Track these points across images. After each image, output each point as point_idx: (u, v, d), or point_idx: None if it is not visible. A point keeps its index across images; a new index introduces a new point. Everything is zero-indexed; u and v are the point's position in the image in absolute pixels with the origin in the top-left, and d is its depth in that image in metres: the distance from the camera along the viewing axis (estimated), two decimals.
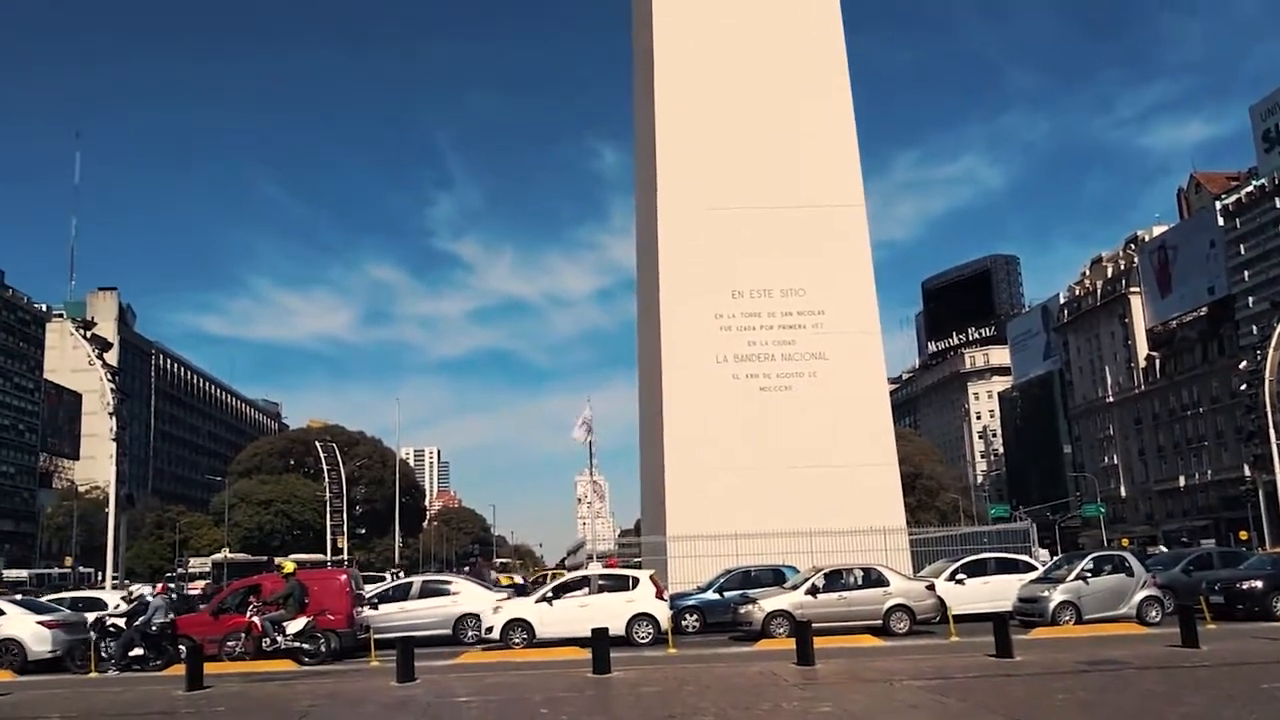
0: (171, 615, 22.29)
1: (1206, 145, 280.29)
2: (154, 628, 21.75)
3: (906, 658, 18.84)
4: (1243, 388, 56.73)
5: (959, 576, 27.32)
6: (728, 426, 36.71)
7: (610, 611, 23.28)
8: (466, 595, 27.10)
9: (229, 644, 21.86)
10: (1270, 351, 46.57)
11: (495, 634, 23.80)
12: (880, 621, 23.95)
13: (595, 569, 43.69)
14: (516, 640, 23.55)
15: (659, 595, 24.54)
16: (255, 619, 21.97)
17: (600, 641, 17.71)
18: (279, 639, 21.71)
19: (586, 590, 24.89)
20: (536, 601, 24.62)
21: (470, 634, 25.54)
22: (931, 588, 25.28)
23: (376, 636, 22.84)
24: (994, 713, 12.79)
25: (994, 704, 13.34)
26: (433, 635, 25.32)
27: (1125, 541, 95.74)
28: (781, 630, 23.43)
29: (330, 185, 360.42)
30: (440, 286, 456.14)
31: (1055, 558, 27.14)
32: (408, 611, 26.14)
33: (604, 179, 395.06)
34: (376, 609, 25.82)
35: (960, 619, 23.50)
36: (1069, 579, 24.33)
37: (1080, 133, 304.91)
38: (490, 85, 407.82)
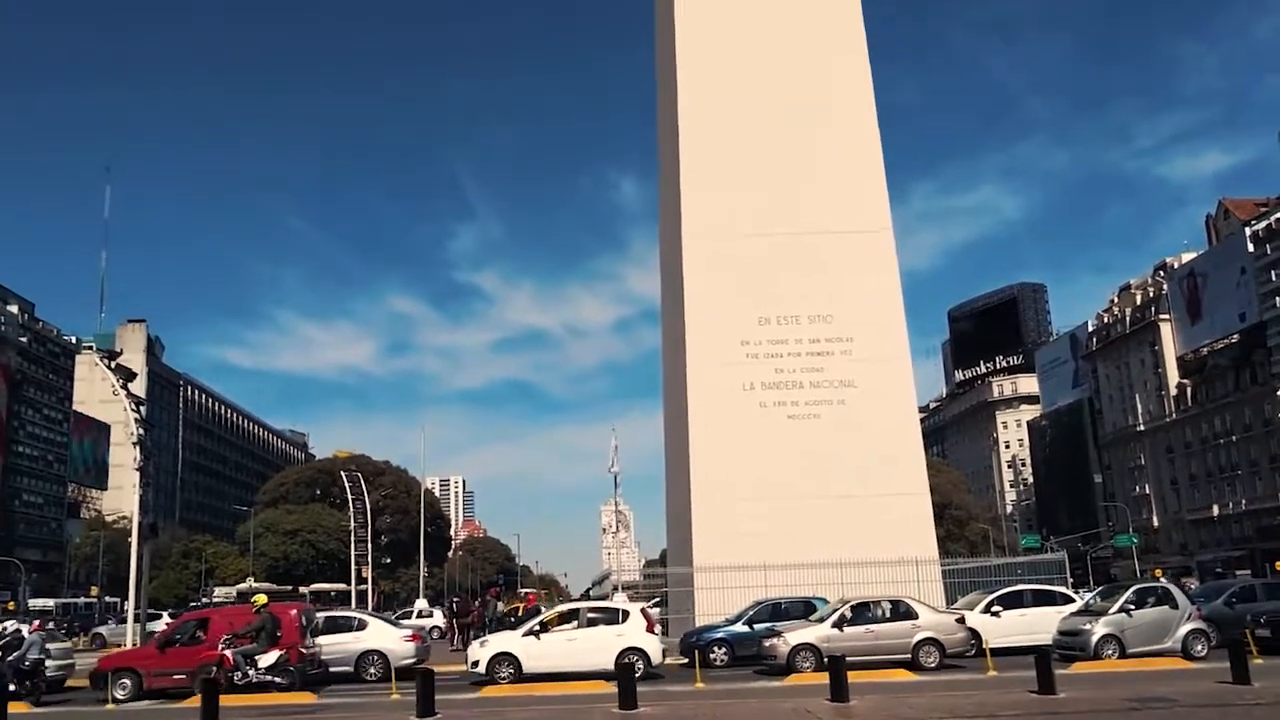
0: (47, 651, 22.56)
1: (1225, 173, 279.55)
2: (27, 663, 21.91)
3: (944, 694, 18.22)
4: None
5: (995, 608, 26.70)
6: (755, 455, 36.21)
7: (599, 646, 22.70)
8: (372, 631, 25.95)
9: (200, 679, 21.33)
10: None
11: (481, 668, 23.02)
12: (909, 656, 23.32)
13: (621, 599, 43.23)
14: (502, 675, 22.70)
15: (649, 629, 23.74)
16: (227, 652, 21.48)
17: (627, 675, 17.18)
18: (250, 672, 21.25)
19: (575, 624, 24.12)
20: (524, 635, 23.78)
21: (372, 671, 24.51)
22: (962, 621, 24.68)
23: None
24: None
25: None
26: (334, 673, 24.32)
27: (1158, 572, 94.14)
28: (807, 665, 22.87)
29: (353, 218, 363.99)
30: (461, 318, 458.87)
31: (1098, 589, 26.32)
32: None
33: (623, 210, 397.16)
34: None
35: (996, 652, 22.85)
36: (1112, 611, 23.62)
37: (1098, 162, 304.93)
38: (510, 119, 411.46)
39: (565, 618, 24.78)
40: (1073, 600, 27.03)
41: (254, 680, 21.19)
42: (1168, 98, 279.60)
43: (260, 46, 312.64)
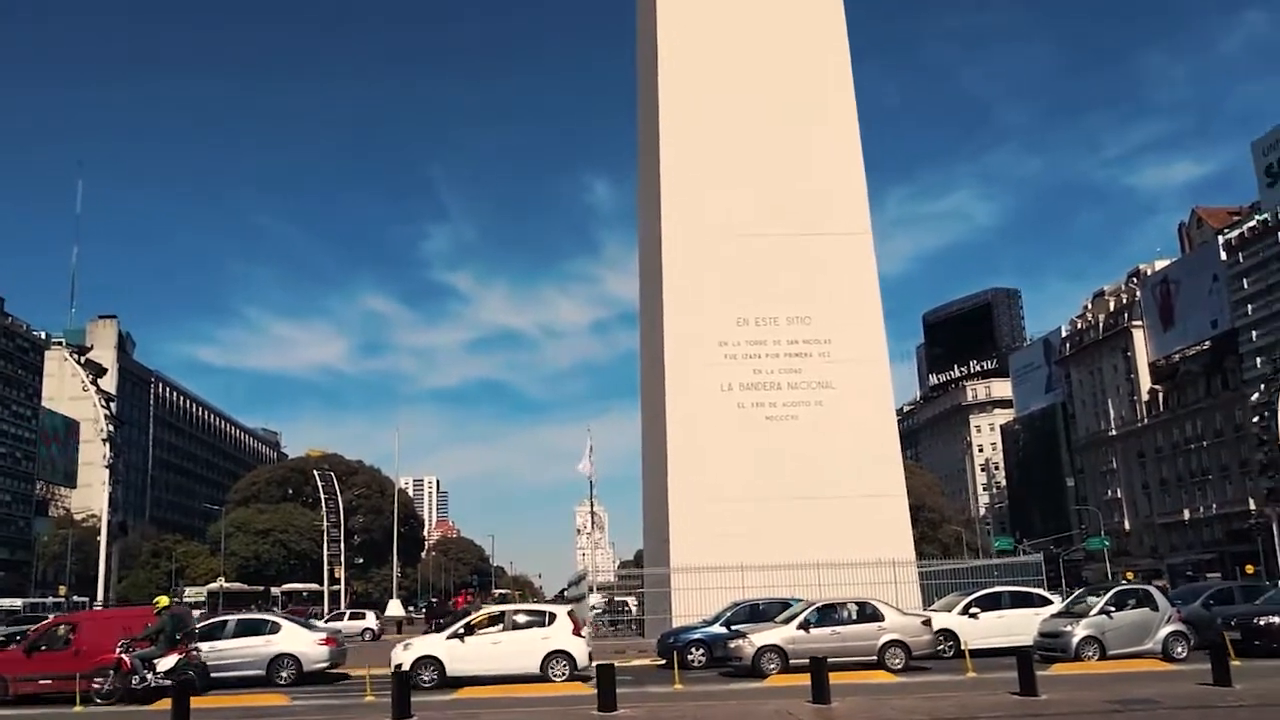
0: None
1: (1195, 183, 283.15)
2: None
3: (925, 695, 18.10)
4: (1254, 420, 56.05)
5: (973, 610, 26.66)
6: (733, 456, 36.13)
7: (525, 649, 22.32)
8: (286, 634, 25.15)
9: (96, 681, 20.59)
10: None
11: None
12: (875, 657, 23.15)
13: (596, 599, 43.05)
14: (425, 679, 22.12)
15: (576, 632, 23.35)
16: (124, 656, 20.74)
17: (607, 677, 16.94)
18: (149, 676, 20.57)
19: (501, 627, 23.63)
20: (448, 638, 23.28)
21: (284, 674, 23.90)
22: (928, 623, 24.59)
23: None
24: None
25: None
26: (245, 676, 23.85)
27: (1130, 575, 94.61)
28: (773, 666, 22.67)
29: (326, 217, 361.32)
30: (435, 318, 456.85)
31: (1078, 591, 26.36)
32: (219, 651, 23.99)
33: (598, 212, 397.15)
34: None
35: (974, 654, 22.75)
36: (1093, 613, 23.59)
37: (1069, 170, 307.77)
38: (486, 120, 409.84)
39: (491, 620, 24.28)
40: (1051, 602, 26.99)
41: (152, 685, 20.41)
42: (1138, 108, 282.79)
43: (236, 44, 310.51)
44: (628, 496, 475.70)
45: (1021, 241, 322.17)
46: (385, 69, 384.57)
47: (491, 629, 23.58)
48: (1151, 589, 24.99)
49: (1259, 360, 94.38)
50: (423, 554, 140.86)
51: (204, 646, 23.39)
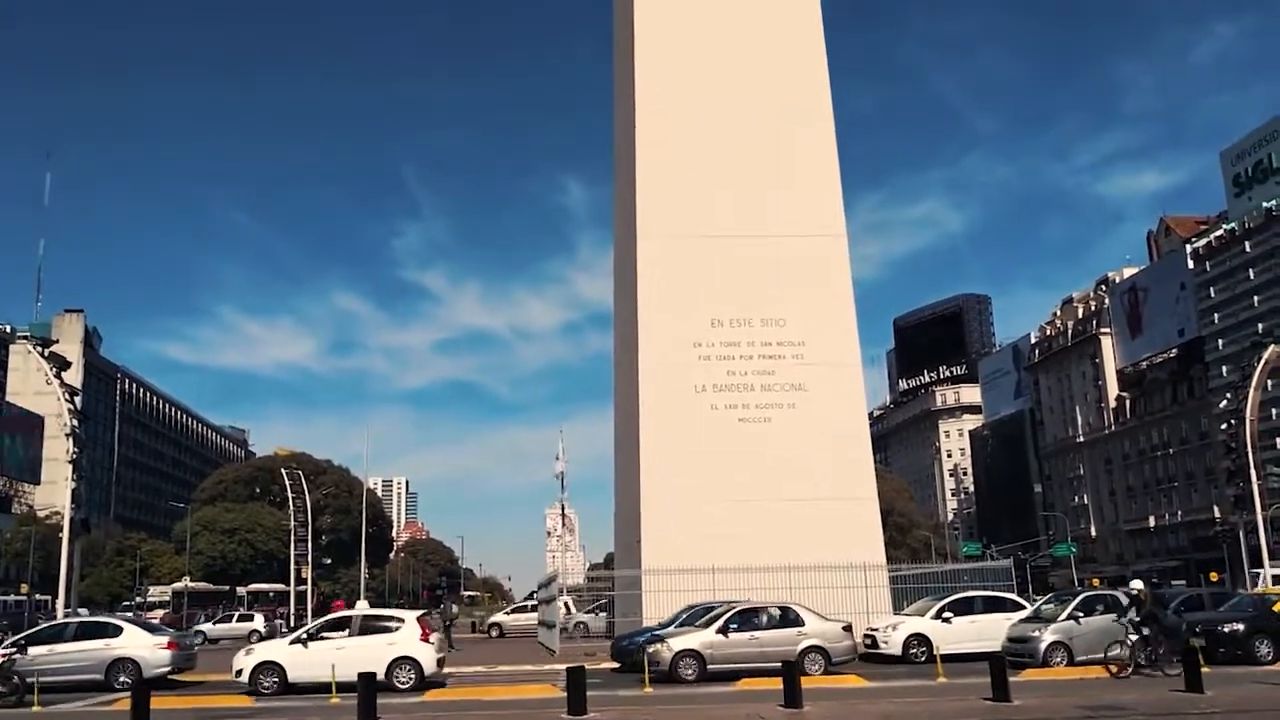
0: None
1: (1163, 192, 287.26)
2: None
3: (896, 700, 18.04)
4: (1222, 427, 56.52)
5: (945, 614, 26.65)
6: (706, 458, 35.92)
7: (369, 655, 21.58)
8: (126, 638, 24.32)
9: None
10: (1251, 391, 46.35)
11: (244, 678, 22.03)
12: (794, 663, 22.82)
13: (566, 603, 42.76)
14: (266, 686, 21.69)
15: (424, 638, 22.83)
16: None
17: (577, 679, 16.75)
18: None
19: (348, 632, 23.09)
20: (290, 643, 22.85)
21: (123, 679, 23.04)
22: (849, 629, 24.34)
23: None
24: None
25: None
26: (82, 680, 23.25)
27: (1095, 582, 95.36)
28: (690, 672, 22.41)
29: (296, 214, 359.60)
30: (406, 318, 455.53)
31: (1047, 596, 26.46)
32: (57, 654, 23.33)
33: (571, 214, 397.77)
34: (26, 652, 22.91)
35: (947, 659, 22.66)
36: (1060, 619, 23.66)
37: (1038, 178, 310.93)
38: (458, 118, 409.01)
39: (336, 625, 23.84)
40: (1023, 608, 27.04)
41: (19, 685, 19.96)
42: (1107, 117, 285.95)
43: (206, 41, 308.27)
44: (598, 500, 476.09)
45: (991, 248, 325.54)
46: (357, 66, 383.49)
47: (337, 634, 23.05)
48: (1120, 595, 25.01)
49: (1225, 368, 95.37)
50: (391, 555, 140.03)
51: (43, 650, 23.10)
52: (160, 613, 58.05)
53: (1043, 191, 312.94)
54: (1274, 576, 47.67)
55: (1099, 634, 23.09)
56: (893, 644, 26.42)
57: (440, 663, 23.12)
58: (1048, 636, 23.25)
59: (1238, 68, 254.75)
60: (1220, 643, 23.53)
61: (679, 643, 23.21)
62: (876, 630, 27.37)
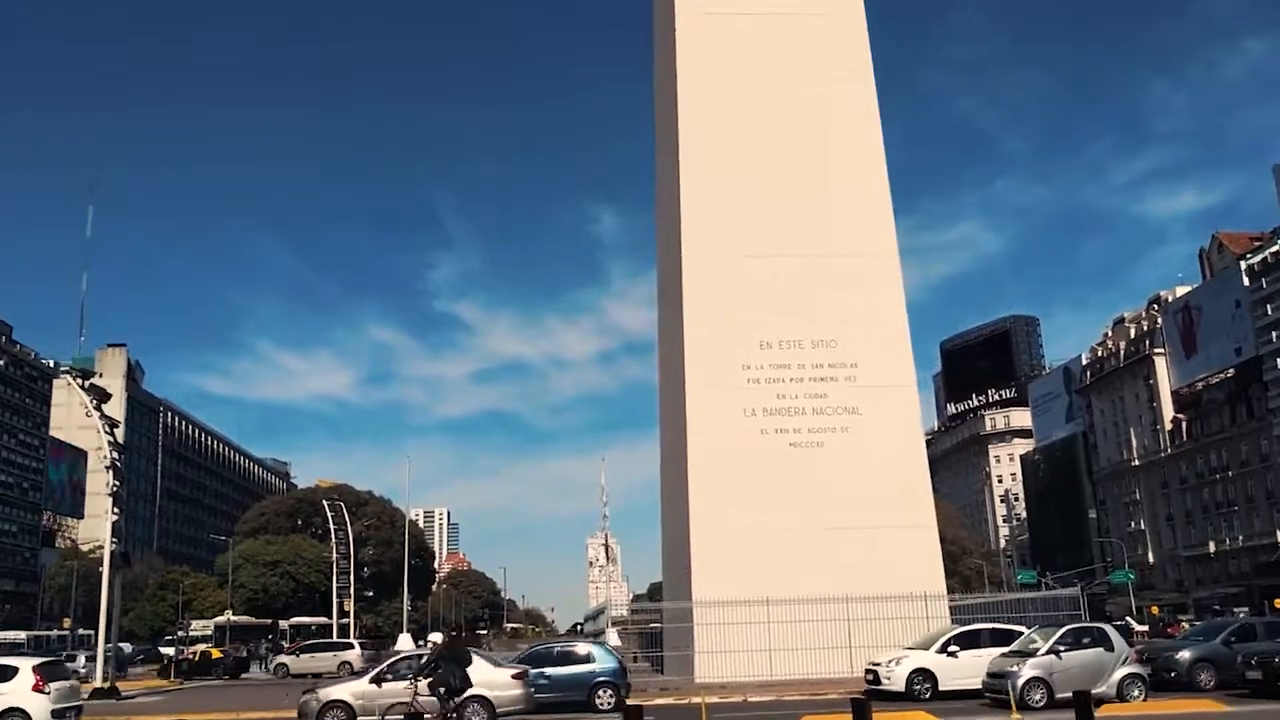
0: None
1: (1200, 211, 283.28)
2: None
3: None
4: None
5: (951, 648, 25.29)
6: (756, 485, 34.72)
7: None
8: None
9: None
10: None
11: None
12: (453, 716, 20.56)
13: (612, 636, 41.51)
14: None
15: (37, 688, 20.98)
16: None
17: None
18: None
19: None
20: None
21: None
22: (520, 676, 22.30)
23: None
24: None
25: None
26: None
27: (1155, 609, 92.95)
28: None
29: (330, 247, 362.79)
30: (441, 348, 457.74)
31: (1033, 629, 24.85)
32: None
33: (604, 243, 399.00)
34: None
35: (952, 694, 21.18)
36: (1041, 653, 22.06)
37: (1074, 200, 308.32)
38: (489, 149, 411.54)
39: None
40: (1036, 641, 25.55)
41: None
42: (1140, 137, 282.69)
43: (241, 74, 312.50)
44: (639, 529, 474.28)
45: (1029, 271, 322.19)
46: (390, 97, 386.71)
47: None
48: (1107, 628, 23.46)
49: None
50: (434, 586, 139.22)
51: None
52: (200, 647, 57.29)
53: (1079, 213, 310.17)
54: None
55: (1083, 669, 21.64)
56: (895, 680, 24.98)
57: (54, 715, 20.94)
58: (1026, 672, 21.62)
59: (1271, 83, 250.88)
60: (1279, 676, 21.99)
61: (328, 693, 21.58)
62: (879, 665, 25.95)
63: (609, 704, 23.85)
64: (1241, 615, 60.70)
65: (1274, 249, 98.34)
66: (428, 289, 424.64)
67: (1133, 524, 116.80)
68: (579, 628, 52.90)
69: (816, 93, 39.33)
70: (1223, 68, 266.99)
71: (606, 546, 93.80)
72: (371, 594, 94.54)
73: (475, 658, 21.88)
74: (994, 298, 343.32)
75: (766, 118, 38.90)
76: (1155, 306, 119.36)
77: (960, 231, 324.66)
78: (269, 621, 77.21)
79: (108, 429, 43.67)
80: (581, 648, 27.13)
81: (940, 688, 24.23)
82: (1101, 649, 22.32)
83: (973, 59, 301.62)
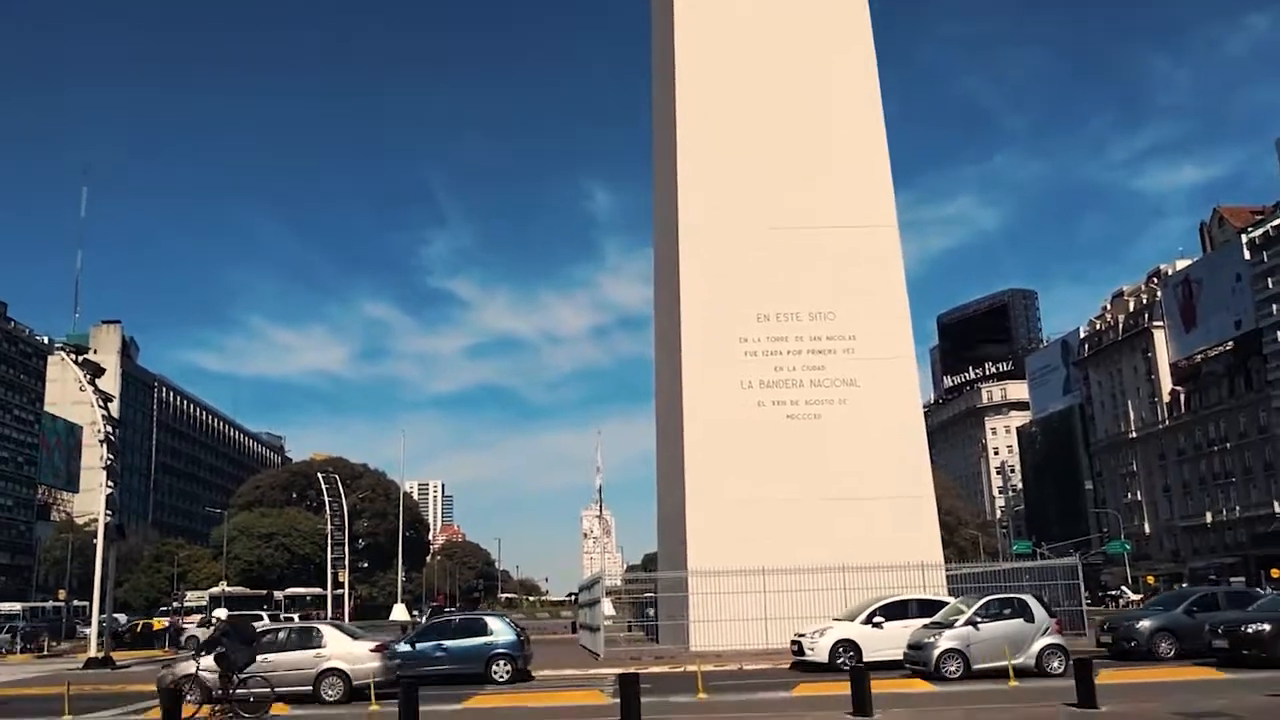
0: None
1: (1202, 186, 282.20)
2: None
3: (974, 707, 16.50)
4: None
5: (877, 619, 25.16)
6: (753, 456, 34.53)
7: None
8: None
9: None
10: None
11: None
12: (311, 688, 20.73)
13: (607, 606, 41.42)
14: None
15: None
16: None
17: (631, 686, 15.34)
18: None
19: None
20: None
21: None
22: (380, 649, 22.10)
23: None
24: None
25: None
26: None
27: (1150, 579, 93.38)
28: (191, 697, 18.97)
29: (324, 224, 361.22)
30: (436, 324, 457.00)
31: (957, 600, 24.64)
32: None
33: (598, 219, 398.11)
34: None
35: (875, 666, 21.18)
36: (958, 624, 21.89)
37: (1073, 175, 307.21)
38: (484, 125, 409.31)
39: None
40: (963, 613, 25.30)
41: None
42: (1141, 113, 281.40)
43: (234, 51, 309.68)
44: (633, 502, 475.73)
45: (1027, 245, 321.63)
46: (382, 76, 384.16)
47: None
48: (1028, 598, 23.08)
49: None
50: (428, 558, 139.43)
51: None
52: (196, 618, 57.12)
53: (1078, 188, 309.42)
54: None
55: (1001, 640, 21.35)
56: (819, 651, 24.88)
57: None
58: (942, 643, 21.50)
59: (1274, 59, 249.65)
60: (1245, 645, 21.93)
61: (182, 669, 20.83)
62: (804, 636, 25.83)
63: (505, 675, 24.00)
64: (1235, 585, 60.89)
65: (1275, 222, 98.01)
66: (422, 265, 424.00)
67: (1129, 495, 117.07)
68: (573, 598, 52.91)
69: (816, 64, 38.90)
70: (1225, 43, 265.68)
71: (601, 518, 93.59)
72: (366, 565, 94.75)
73: (332, 630, 22.59)
74: (992, 272, 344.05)
75: (766, 90, 38.47)
76: (1155, 280, 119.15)
77: (959, 206, 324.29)
78: (264, 592, 77.20)
79: (101, 403, 43.36)
80: (482, 620, 27.17)
81: (864, 659, 23.92)
82: (1022, 620, 22.02)
83: (972, 35, 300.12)
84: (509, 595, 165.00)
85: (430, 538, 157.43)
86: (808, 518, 33.10)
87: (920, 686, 20.34)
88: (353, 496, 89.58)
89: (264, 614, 62.70)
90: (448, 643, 25.21)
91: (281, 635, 22.54)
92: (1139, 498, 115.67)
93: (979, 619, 21.93)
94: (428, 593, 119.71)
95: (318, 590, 73.44)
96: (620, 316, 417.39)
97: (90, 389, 43.72)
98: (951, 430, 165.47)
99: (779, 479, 34.15)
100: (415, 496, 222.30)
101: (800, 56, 38.88)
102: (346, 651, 21.54)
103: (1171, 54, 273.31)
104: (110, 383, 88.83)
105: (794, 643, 26.11)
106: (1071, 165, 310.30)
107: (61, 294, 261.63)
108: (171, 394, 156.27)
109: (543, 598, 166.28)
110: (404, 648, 25.23)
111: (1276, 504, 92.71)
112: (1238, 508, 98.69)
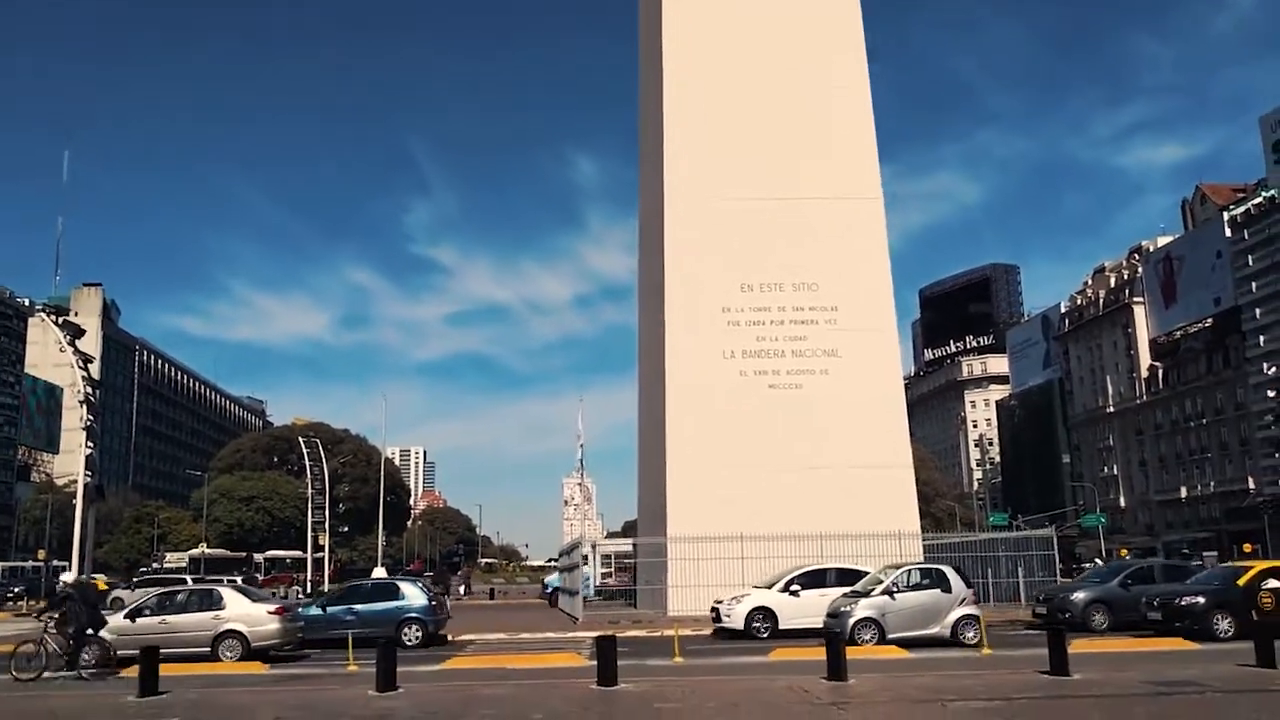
0: None
1: (1185, 163, 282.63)
2: None
3: (947, 674, 16.81)
4: (1270, 394, 54.88)
5: (794, 587, 25.63)
6: (734, 425, 34.83)
7: None
8: None
9: None
10: None
11: None
12: (209, 649, 21.04)
13: (587, 571, 41.73)
14: None
15: None
16: None
17: (608, 649, 15.60)
18: None
19: None
20: None
21: None
22: (280, 612, 22.32)
23: None
24: None
25: None
26: None
27: (1124, 552, 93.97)
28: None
29: (307, 190, 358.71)
30: (418, 291, 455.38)
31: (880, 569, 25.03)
32: None
33: (581, 188, 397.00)
34: None
35: (791, 633, 21.43)
36: (875, 593, 22.33)
37: (1056, 151, 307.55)
38: (465, 94, 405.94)
39: None
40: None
41: None
42: (1124, 90, 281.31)
43: (216, 16, 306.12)
44: (614, 470, 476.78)
45: (1009, 221, 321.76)
46: (366, 41, 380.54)
47: None
48: (946, 569, 23.43)
49: (1262, 338, 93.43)
50: (409, 523, 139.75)
51: None
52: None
53: (1060, 164, 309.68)
54: None
55: (917, 610, 21.89)
56: (735, 618, 25.38)
57: None
58: (857, 612, 21.95)
59: (1257, 39, 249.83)
60: (1178, 616, 22.45)
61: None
62: (721, 603, 26.26)
63: (415, 639, 24.16)
64: (1210, 559, 61.76)
65: (1256, 200, 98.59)
66: (404, 232, 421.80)
67: (1106, 469, 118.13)
68: (554, 563, 53.41)
69: (804, 35, 38.89)
70: (1210, 22, 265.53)
71: (582, 486, 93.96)
72: (347, 529, 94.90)
73: (231, 593, 22.77)
74: (974, 247, 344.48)
75: (753, 60, 38.47)
76: (1136, 256, 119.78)
77: (941, 182, 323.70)
78: (244, 555, 77.42)
79: (81, 364, 43.28)
80: (394, 585, 27.49)
81: (780, 626, 24.48)
82: (938, 590, 22.42)
83: (958, 11, 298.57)
84: (489, 560, 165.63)
85: (411, 503, 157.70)
86: (787, 486, 33.39)
87: (895, 653, 20.69)
88: (334, 461, 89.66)
89: (239, 576, 63.09)
90: (359, 606, 25.43)
91: (181, 597, 22.64)
92: (1115, 472, 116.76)
93: (896, 589, 22.31)
94: (408, 557, 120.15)
95: (298, 553, 73.62)
96: (603, 286, 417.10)
97: (70, 350, 43.61)
98: (931, 403, 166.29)
99: (760, 448, 34.47)
100: (397, 463, 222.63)
101: (789, 28, 38.87)
102: (245, 614, 21.65)
103: (1155, 32, 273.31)
104: (91, 345, 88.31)
105: (713, 609, 26.49)
106: (1054, 141, 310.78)
107: (43, 258, 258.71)
108: (153, 357, 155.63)
109: (523, 563, 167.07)
110: (314, 611, 25.58)
111: (1250, 480, 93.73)
112: (1212, 483, 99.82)
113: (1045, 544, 34.40)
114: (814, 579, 25.89)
